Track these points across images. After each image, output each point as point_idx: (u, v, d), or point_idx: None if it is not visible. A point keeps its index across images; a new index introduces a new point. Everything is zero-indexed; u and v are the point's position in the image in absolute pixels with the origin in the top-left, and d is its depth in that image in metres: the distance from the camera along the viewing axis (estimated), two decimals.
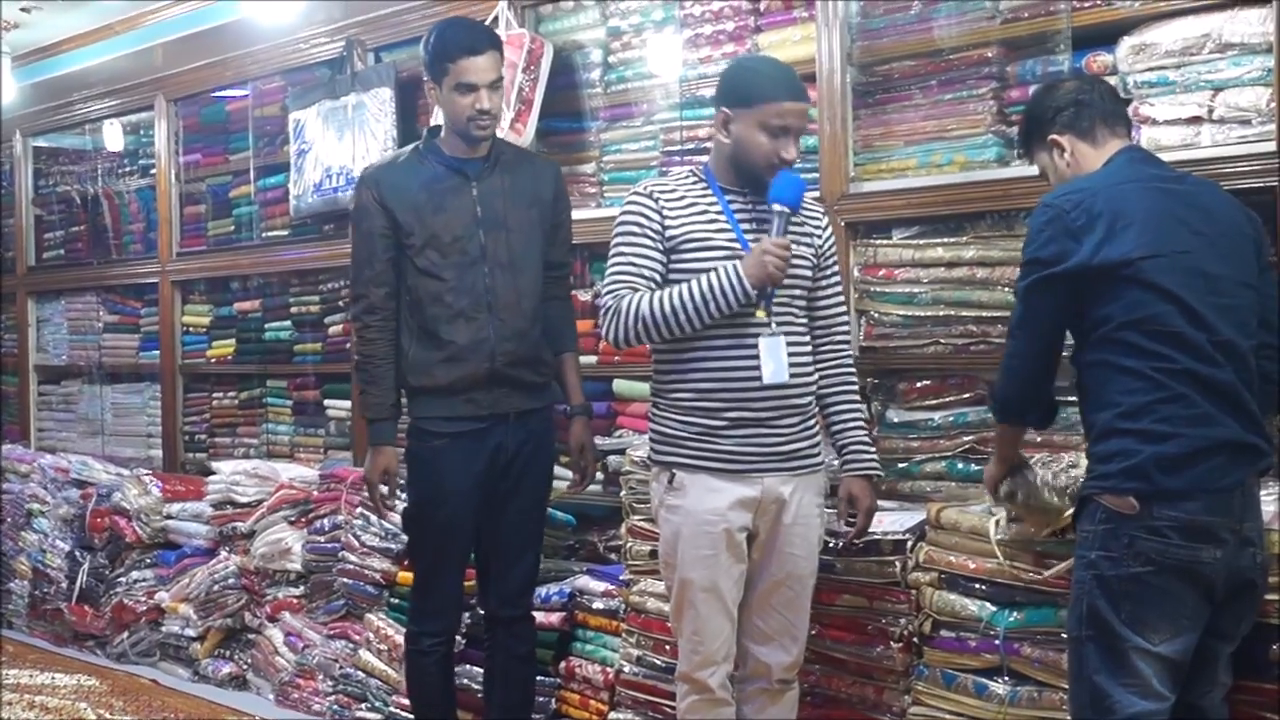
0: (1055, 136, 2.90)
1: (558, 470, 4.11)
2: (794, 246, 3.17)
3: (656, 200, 3.27)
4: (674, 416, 3.25)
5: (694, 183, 3.31)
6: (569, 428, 3.95)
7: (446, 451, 3.74)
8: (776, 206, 3.13)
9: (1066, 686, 2.85)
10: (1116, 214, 2.66)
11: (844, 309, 3.47)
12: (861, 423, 3.43)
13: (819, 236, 3.35)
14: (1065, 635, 2.80)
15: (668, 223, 3.24)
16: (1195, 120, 3.48)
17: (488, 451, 3.74)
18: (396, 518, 4.62)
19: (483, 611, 4.04)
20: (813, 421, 3.31)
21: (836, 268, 3.43)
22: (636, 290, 3.20)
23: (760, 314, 3.15)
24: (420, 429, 3.79)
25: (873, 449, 3.43)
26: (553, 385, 3.95)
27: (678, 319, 3.14)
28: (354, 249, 3.88)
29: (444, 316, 3.69)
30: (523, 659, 3.92)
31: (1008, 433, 3.02)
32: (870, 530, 3.44)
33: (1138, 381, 2.63)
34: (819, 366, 3.37)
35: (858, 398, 3.45)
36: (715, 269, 3.13)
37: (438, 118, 3.91)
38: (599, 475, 4.71)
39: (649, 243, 3.25)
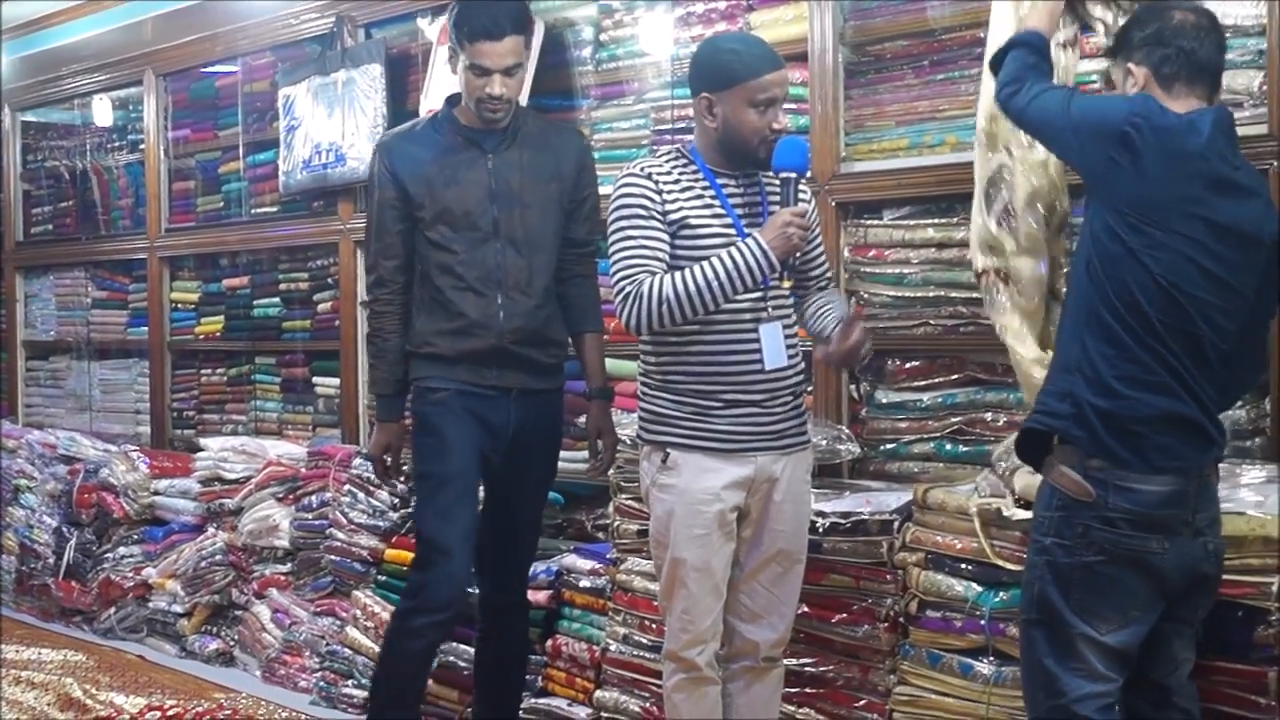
0: (1133, 66, 2.77)
1: (574, 454, 4.09)
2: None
3: (655, 181, 3.21)
4: (667, 397, 3.23)
5: (685, 164, 3.27)
6: (588, 410, 3.86)
7: (449, 405, 3.63)
8: (783, 175, 3.10)
9: None
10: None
11: (830, 277, 3.48)
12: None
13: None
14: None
15: (667, 205, 3.19)
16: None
17: (490, 419, 3.67)
18: (385, 495, 4.60)
19: (477, 595, 3.95)
20: (801, 400, 3.31)
21: (820, 239, 3.43)
22: (654, 273, 3.13)
23: (786, 283, 3.16)
24: (422, 388, 3.70)
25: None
26: (564, 368, 3.86)
27: (703, 299, 3.07)
28: (368, 220, 3.84)
29: (454, 287, 3.63)
30: (518, 646, 3.90)
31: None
32: (858, 511, 3.46)
33: (1101, 328, 2.63)
34: (806, 301, 3.39)
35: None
36: (733, 246, 3.10)
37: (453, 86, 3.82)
38: (586, 454, 4.71)
39: (656, 224, 3.17)
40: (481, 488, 3.79)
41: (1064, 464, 2.66)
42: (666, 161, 3.28)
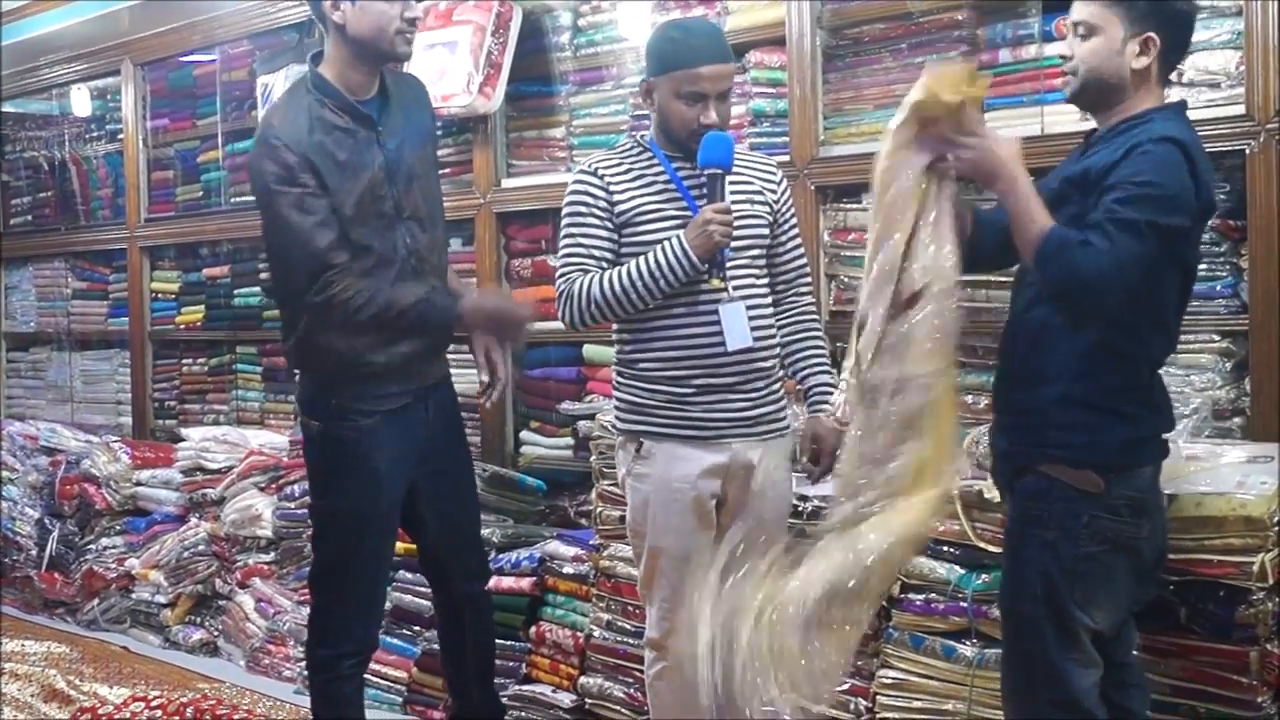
0: (1153, 35, 2.61)
1: (555, 441, 4.02)
2: (745, 206, 3.18)
3: (601, 177, 3.23)
4: (640, 385, 3.24)
5: (639, 154, 3.27)
6: (467, 330, 3.46)
7: (377, 431, 3.33)
8: (708, 170, 3.07)
9: None
10: None
11: (804, 262, 3.42)
12: (825, 367, 3.35)
13: (772, 192, 3.31)
14: (1001, 606, 2.77)
15: (615, 198, 3.20)
16: (1165, 83, 3.46)
17: (418, 426, 3.43)
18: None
19: (436, 594, 3.76)
20: (778, 385, 3.30)
21: (794, 221, 3.38)
22: (587, 272, 3.17)
23: (716, 282, 3.10)
24: (343, 407, 3.33)
25: (832, 392, 3.31)
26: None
27: (629, 298, 3.11)
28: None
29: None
30: (490, 631, 3.82)
31: (1027, 250, 2.58)
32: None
33: (1117, 360, 2.61)
34: (781, 320, 3.33)
35: (822, 345, 3.38)
36: (660, 244, 3.10)
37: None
38: (569, 440, 4.72)
39: (596, 222, 3.21)
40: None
41: (1064, 462, 2.65)
42: (620, 154, 3.30)
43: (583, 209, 3.22)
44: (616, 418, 3.32)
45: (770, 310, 3.30)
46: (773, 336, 3.28)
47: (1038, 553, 2.64)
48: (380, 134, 3.33)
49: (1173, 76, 3.42)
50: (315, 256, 3.18)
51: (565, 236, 3.25)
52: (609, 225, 3.21)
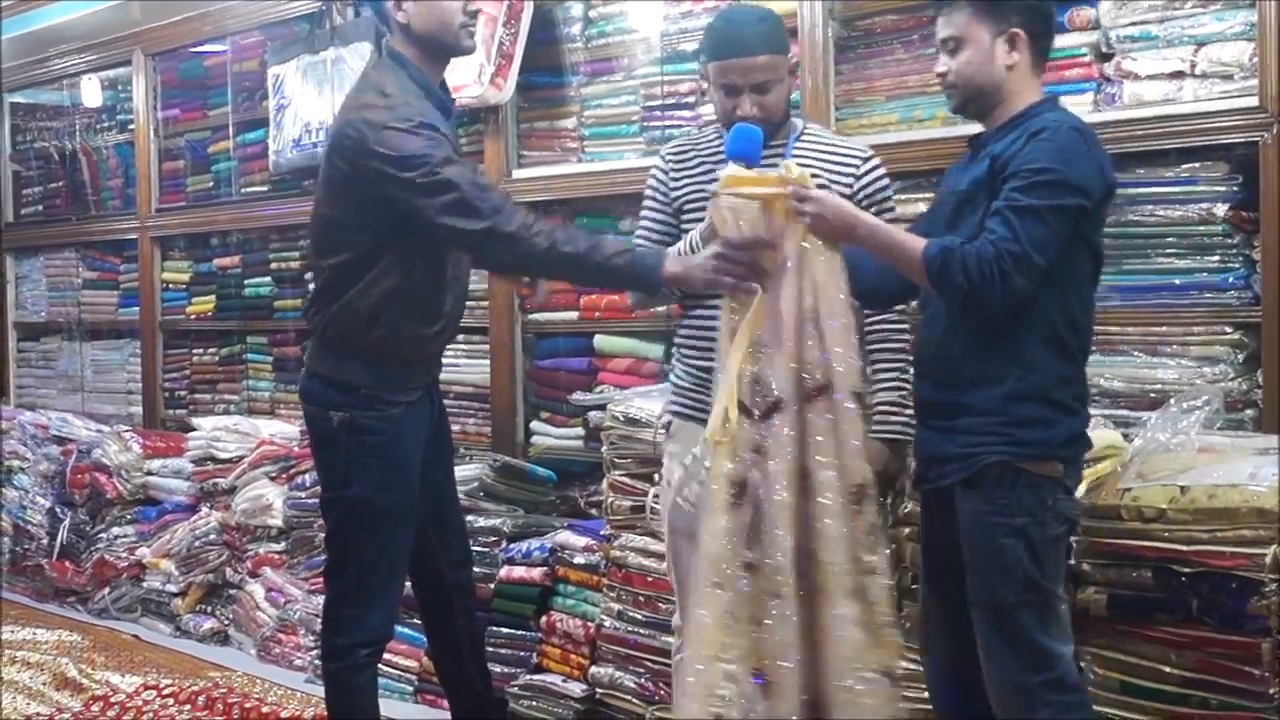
0: (1018, 31, 2.71)
1: (565, 431, 3.99)
2: None
3: (666, 161, 3.32)
4: (680, 366, 3.30)
5: (710, 138, 3.29)
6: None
7: (402, 421, 3.32)
8: (732, 164, 2.98)
9: None
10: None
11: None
12: (896, 383, 3.20)
13: (846, 183, 3.18)
14: (979, 602, 2.74)
15: (672, 183, 3.27)
16: (1178, 75, 3.48)
17: (427, 417, 3.43)
18: None
19: (422, 585, 3.66)
20: None
21: (884, 217, 3.07)
22: None
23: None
24: (371, 397, 3.29)
25: (901, 412, 3.18)
26: None
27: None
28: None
29: (438, 285, 3.33)
30: (476, 617, 3.75)
31: (918, 277, 2.69)
32: None
33: (1061, 351, 2.70)
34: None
35: (898, 358, 3.21)
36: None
37: None
38: (580, 431, 4.73)
39: (655, 205, 3.31)
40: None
41: (1033, 455, 2.71)
42: (694, 139, 3.35)
43: (648, 192, 3.34)
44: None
45: None
46: None
47: (1009, 541, 2.68)
48: (449, 131, 3.29)
49: (1185, 68, 3.45)
50: (492, 191, 3.13)
51: (640, 218, 3.38)
52: (667, 209, 3.28)
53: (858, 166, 3.21)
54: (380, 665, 3.61)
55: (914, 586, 3.36)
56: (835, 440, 2.75)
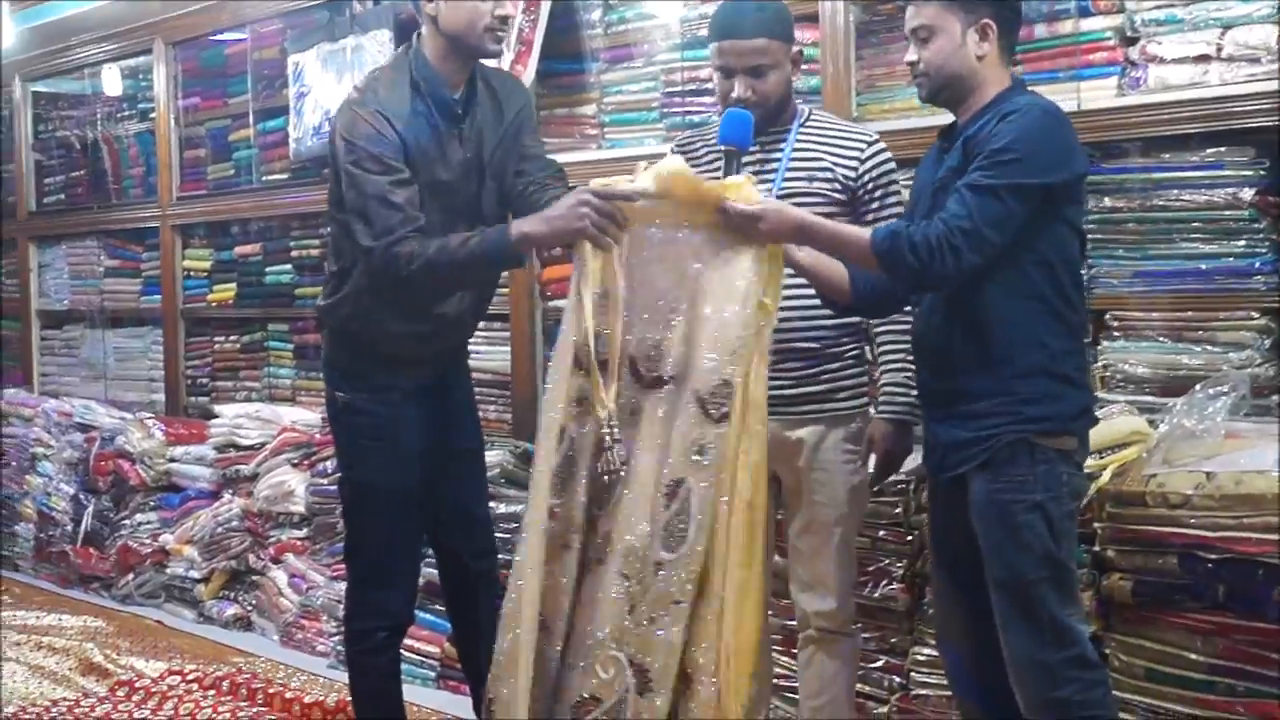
0: (989, 22, 2.75)
1: None
2: (801, 184, 3.14)
3: (683, 147, 3.33)
4: None
5: (717, 128, 3.28)
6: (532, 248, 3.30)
7: (401, 406, 3.33)
8: (725, 148, 2.94)
9: None
10: None
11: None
12: (900, 365, 3.22)
13: (850, 169, 3.20)
14: (999, 581, 2.73)
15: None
16: (1204, 59, 3.45)
17: (436, 404, 3.41)
18: None
19: (447, 575, 3.68)
20: (833, 365, 3.22)
21: (889, 200, 3.21)
22: None
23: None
24: (369, 380, 3.35)
25: (907, 393, 3.20)
26: None
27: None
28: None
29: None
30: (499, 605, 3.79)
31: (866, 260, 2.73)
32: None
33: (1061, 324, 2.71)
34: None
35: (902, 340, 3.19)
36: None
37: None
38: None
39: None
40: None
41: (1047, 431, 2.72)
42: (699, 132, 3.38)
43: None
44: None
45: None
46: (819, 319, 3.17)
47: (1028, 517, 2.68)
48: (463, 131, 3.27)
49: (1211, 52, 3.42)
50: (394, 210, 3.09)
51: None
52: None
53: (862, 151, 3.20)
54: (403, 651, 3.64)
55: None
56: (664, 432, 2.80)
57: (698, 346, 2.79)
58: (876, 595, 3.54)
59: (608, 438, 2.83)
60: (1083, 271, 3.40)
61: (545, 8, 4.73)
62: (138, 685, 4.65)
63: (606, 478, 2.85)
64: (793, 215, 2.74)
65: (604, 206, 2.85)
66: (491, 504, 3.94)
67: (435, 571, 4.52)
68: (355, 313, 3.31)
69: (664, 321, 2.84)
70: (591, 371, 2.85)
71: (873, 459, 3.31)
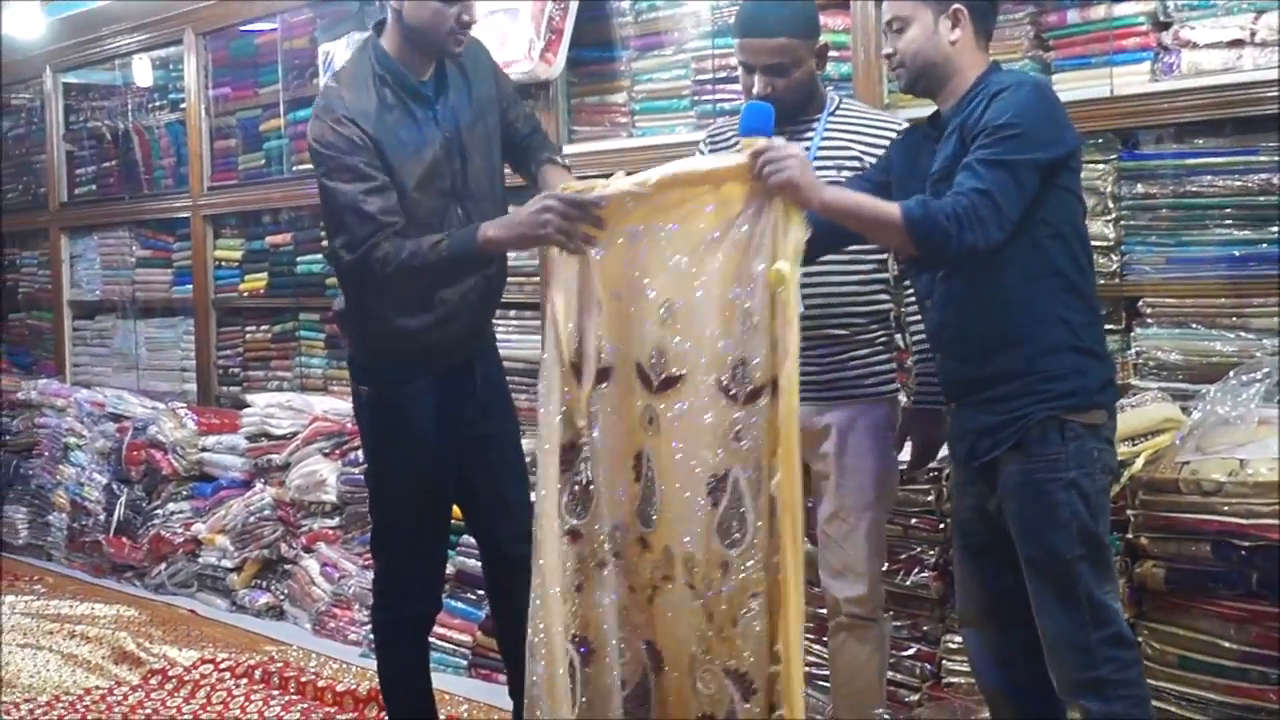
0: (959, 7, 2.75)
1: None
2: (830, 173, 3.11)
3: (706, 147, 3.35)
4: None
5: None
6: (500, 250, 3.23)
7: (423, 396, 3.33)
8: (744, 141, 2.90)
9: None
10: None
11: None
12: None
13: (878, 157, 3.16)
14: (1036, 561, 2.71)
15: None
16: (1237, 43, 3.43)
17: (464, 391, 3.39)
18: None
19: (486, 559, 3.66)
20: (864, 351, 3.23)
21: None
22: None
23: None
24: (389, 372, 3.35)
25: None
26: None
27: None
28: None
29: None
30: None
31: (895, 236, 2.69)
32: (905, 460, 3.38)
33: (1078, 298, 2.71)
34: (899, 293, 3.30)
35: None
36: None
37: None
38: None
39: None
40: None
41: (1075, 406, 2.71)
42: (730, 122, 3.34)
43: None
44: None
45: (859, 278, 3.22)
46: (850, 305, 3.20)
47: (1064, 495, 2.66)
48: (438, 113, 3.25)
49: (1244, 37, 3.40)
50: (366, 220, 3.09)
51: None
52: None
53: (886, 139, 3.20)
54: (434, 640, 3.66)
55: None
56: (691, 430, 2.79)
57: (704, 335, 2.78)
58: (908, 583, 3.53)
59: (586, 448, 2.86)
60: (1113, 256, 3.43)
61: None
62: (170, 674, 4.69)
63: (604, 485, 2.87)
64: (814, 179, 2.71)
65: (568, 211, 2.85)
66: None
67: (465, 560, 4.59)
68: (360, 311, 3.33)
69: (658, 321, 2.83)
70: (566, 378, 2.85)
71: (908, 447, 3.30)
